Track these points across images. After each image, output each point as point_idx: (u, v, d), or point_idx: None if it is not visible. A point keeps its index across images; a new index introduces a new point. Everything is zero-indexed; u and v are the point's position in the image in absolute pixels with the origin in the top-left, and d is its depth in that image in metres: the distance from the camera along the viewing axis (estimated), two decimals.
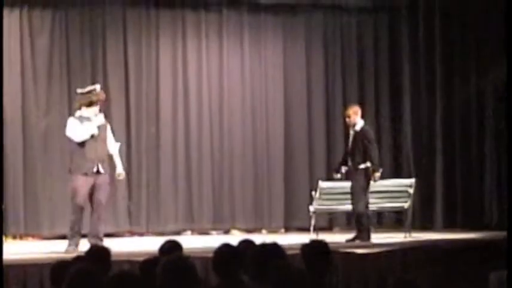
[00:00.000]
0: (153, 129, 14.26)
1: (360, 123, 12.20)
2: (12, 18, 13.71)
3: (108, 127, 11.42)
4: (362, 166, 11.99)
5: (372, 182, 12.10)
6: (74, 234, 10.99)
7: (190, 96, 14.42)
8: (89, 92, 11.34)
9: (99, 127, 11.16)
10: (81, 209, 11.05)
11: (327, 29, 14.88)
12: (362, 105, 13.10)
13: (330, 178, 13.76)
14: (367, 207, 12.14)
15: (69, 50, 13.98)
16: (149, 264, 5.90)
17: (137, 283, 4.83)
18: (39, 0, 13.74)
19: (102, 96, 11.44)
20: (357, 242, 11.76)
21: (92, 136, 11.02)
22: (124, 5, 14.14)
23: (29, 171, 13.59)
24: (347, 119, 12.28)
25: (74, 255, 7.08)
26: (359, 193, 12.07)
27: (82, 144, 11.00)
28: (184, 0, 14.25)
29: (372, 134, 12.30)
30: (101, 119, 11.24)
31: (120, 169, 11.34)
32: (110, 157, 11.32)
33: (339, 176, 12.41)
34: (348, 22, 14.90)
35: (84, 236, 11.16)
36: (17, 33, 13.76)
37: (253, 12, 14.60)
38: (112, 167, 11.32)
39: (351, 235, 12.07)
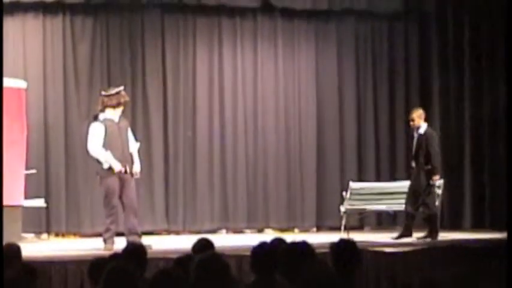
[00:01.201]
0: (189, 132, 14.29)
1: (423, 127, 12.17)
2: (55, 25, 13.83)
3: (129, 128, 11.40)
4: (427, 167, 11.99)
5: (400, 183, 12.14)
6: (112, 235, 10.93)
7: (225, 100, 14.44)
8: (117, 93, 11.26)
9: (120, 129, 11.13)
10: (116, 209, 11.03)
11: (358, 34, 14.84)
12: (392, 108, 13.04)
13: (360, 179, 13.76)
14: (419, 208, 12.17)
15: (109, 55, 14.05)
16: (182, 261, 5.91)
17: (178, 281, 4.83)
18: (80, 8, 13.80)
19: (127, 98, 11.40)
20: (427, 240, 11.82)
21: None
22: (162, 12, 14.18)
23: (70, 172, 13.68)
24: (411, 122, 12.23)
25: (111, 252, 7.11)
26: (424, 193, 12.07)
27: (109, 147, 10.97)
28: (220, 7, 14.24)
29: (435, 137, 12.26)
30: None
31: (137, 167, 11.14)
32: None
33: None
34: (379, 27, 14.86)
35: (121, 234, 11.23)
36: (60, 40, 13.85)
37: (286, 18, 14.60)
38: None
39: (385, 234, 12.08)
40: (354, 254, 5.78)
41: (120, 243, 10.26)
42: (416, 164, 12.12)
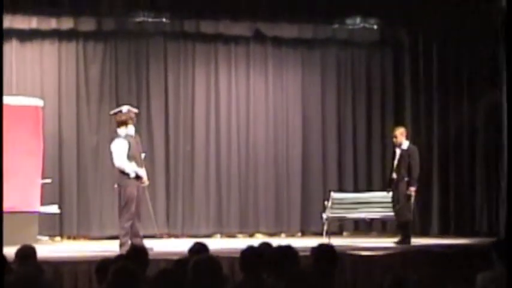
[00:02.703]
0: (188, 147, 14.30)
1: (405, 143, 12.18)
2: (69, 50, 13.85)
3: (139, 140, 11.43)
4: (406, 179, 12.01)
5: (377, 194, 12.16)
6: (128, 240, 10.84)
7: (221, 118, 14.45)
8: (128, 111, 11.28)
9: (137, 143, 11.14)
10: (133, 216, 10.94)
11: (339, 60, 14.86)
12: (369, 127, 13.05)
13: (340, 189, 13.76)
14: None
15: (117, 77, 14.06)
16: (181, 262, 5.91)
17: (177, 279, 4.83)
18: (92, 35, 13.81)
19: (132, 114, 11.29)
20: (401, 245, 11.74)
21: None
22: (165, 39, 14.20)
23: (82, 181, 13.67)
24: (394, 139, 12.23)
25: (116, 254, 7.10)
26: (403, 202, 12.08)
27: (132, 159, 10.97)
28: (217, 35, 14.26)
29: (417, 153, 12.29)
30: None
31: (145, 178, 11.23)
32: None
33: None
34: (358, 55, 14.89)
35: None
36: (73, 64, 13.87)
37: (276, 45, 14.60)
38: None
39: (361, 239, 12.05)
40: (332, 257, 5.80)
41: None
42: (397, 175, 12.11)
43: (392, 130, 12.59)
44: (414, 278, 4.99)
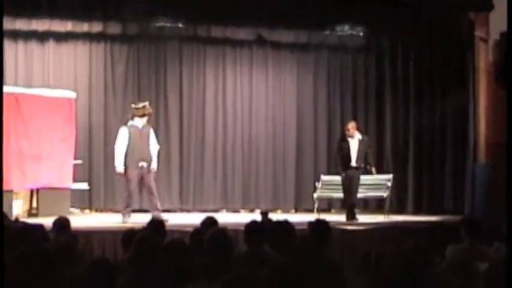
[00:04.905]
0: (199, 134, 14.26)
1: (358, 134, 12.10)
2: (98, 50, 13.80)
3: (152, 133, 11.36)
4: (362, 165, 11.94)
5: (362, 177, 12.12)
6: (128, 211, 11.00)
7: (227, 111, 14.40)
8: (143, 107, 11.29)
9: (142, 134, 11.11)
10: (132, 194, 11.07)
11: (330, 63, 14.77)
12: (355, 121, 13.00)
13: (329, 172, 13.72)
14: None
15: (139, 75, 14.00)
16: (196, 233, 5.88)
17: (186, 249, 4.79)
18: (118, 38, 13.74)
19: (151, 110, 11.44)
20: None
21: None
22: (180, 42, 14.12)
23: (108, 163, 13.57)
24: (347, 132, 12.15)
25: (138, 225, 7.06)
26: (358, 187, 12.02)
27: (130, 146, 10.99)
28: (225, 39, 14.18)
29: (371, 143, 12.29)
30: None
31: (154, 165, 11.19)
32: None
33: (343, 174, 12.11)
34: (346, 59, 14.80)
35: (145, 211, 11.21)
36: (102, 61, 13.83)
37: (275, 49, 14.51)
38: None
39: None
40: (326, 230, 5.77)
41: (141, 218, 10.27)
42: (357, 162, 11.95)
43: (346, 124, 12.45)
44: (396, 252, 4.92)
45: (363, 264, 4.59)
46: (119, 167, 11.09)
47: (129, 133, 11.07)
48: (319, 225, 5.81)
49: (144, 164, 10.99)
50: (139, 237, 4.91)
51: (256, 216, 9.92)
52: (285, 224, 5.88)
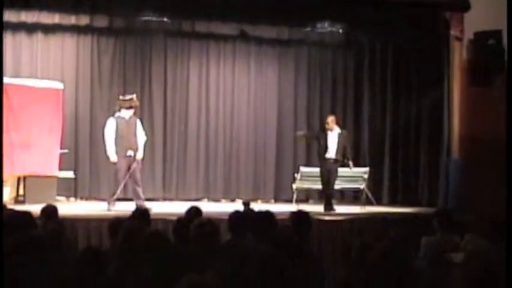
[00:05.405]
0: (182, 126, 14.22)
1: (337, 128, 12.12)
2: (85, 43, 13.71)
3: (139, 124, 11.36)
4: (341, 159, 11.96)
5: (339, 169, 12.13)
6: (114, 199, 10.98)
7: (210, 104, 14.37)
8: (130, 99, 11.30)
9: (129, 125, 11.10)
10: (120, 183, 11.04)
11: (310, 58, 14.79)
12: (333, 114, 13.02)
13: (308, 164, 13.75)
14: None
15: (125, 67, 13.93)
16: (181, 222, 5.88)
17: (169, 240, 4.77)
18: (105, 31, 13.64)
19: (138, 103, 11.45)
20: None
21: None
22: (165, 36, 14.05)
23: (94, 152, 13.57)
24: (327, 125, 12.16)
25: (124, 214, 7.04)
26: (335, 179, 12.05)
27: (118, 137, 10.99)
28: (209, 34, 14.13)
29: (349, 137, 12.33)
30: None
31: (139, 155, 11.22)
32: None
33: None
34: (326, 54, 14.82)
35: (129, 199, 11.18)
36: (89, 54, 13.74)
37: (257, 44, 14.50)
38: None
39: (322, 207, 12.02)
40: (307, 221, 5.79)
41: (125, 206, 10.24)
42: (336, 155, 11.95)
43: (325, 118, 12.45)
44: (383, 243, 4.95)
45: (344, 255, 4.61)
46: (112, 156, 11.05)
47: (117, 124, 11.07)
48: (301, 215, 5.83)
49: (131, 153, 11.01)
50: (127, 226, 4.90)
51: (238, 205, 9.94)
52: (267, 214, 5.89)
